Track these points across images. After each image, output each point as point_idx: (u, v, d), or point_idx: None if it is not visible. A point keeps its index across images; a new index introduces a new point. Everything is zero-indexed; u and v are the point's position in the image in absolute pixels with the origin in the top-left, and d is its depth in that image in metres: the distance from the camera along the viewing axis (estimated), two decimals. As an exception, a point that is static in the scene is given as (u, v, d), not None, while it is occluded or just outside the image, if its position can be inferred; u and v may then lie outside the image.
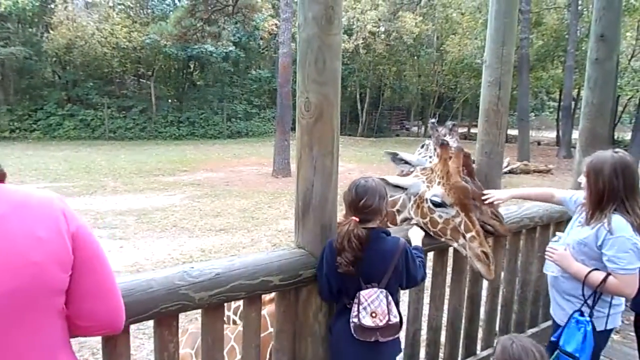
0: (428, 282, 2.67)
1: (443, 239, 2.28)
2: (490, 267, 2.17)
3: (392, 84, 30.20)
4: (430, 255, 2.61)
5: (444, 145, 2.23)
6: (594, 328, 2.12)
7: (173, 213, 9.14)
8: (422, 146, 2.64)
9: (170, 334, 1.65)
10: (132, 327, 1.58)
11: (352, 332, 1.84)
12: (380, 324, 1.83)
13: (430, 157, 2.49)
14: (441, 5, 26.22)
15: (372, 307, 1.82)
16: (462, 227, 2.20)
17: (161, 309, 1.54)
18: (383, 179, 2.19)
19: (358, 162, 16.50)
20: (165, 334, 1.64)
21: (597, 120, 3.44)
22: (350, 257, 1.80)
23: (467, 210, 2.20)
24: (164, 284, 1.56)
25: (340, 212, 2.01)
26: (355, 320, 1.83)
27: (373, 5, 23.04)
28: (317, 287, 1.95)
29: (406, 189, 2.28)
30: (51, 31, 21.67)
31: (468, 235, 2.18)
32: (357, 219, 1.86)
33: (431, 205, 2.23)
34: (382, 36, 26.35)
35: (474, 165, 2.57)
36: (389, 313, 1.84)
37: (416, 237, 2.22)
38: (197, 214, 9.18)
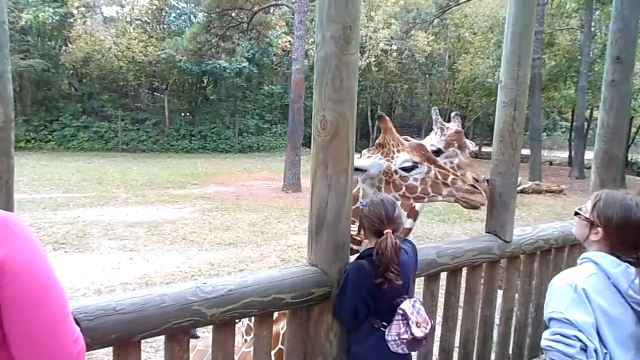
0: (440, 302, 2.64)
1: (426, 199, 2.32)
2: (482, 192, 2.29)
3: (403, 101, 30.32)
4: (443, 275, 2.58)
5: (382, 117, 2.42)
6: None
7: (183, 226, 9.17)
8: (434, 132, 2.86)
9: (182, 349, 1.64)
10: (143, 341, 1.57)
11: (398, 347, 1.84)
12: (427, 331, 1.85)
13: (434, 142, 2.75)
14: (453, 25, 26.40)
15: (416, 317, 1.84)
16: (440, 177, 2.26)
17: (173, 324, 1.53)
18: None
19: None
20: (176, 350, 1.63)
21: (612, 142, 3.40)
22: (398, 268, 1.80)
23: (434, 161, 2.30)
24: (177, 299, 1.55)
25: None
26: (406, 335, 1.82)
27: (386, 24, 23.26)
28: (336, 312, 1.92)
29: (365, 171, 2.28)
30: (69, 44, 22.19)
31: (449, 180, 2.25)
32: (391, 231, 1.86)
33: (403, 173, 2.26)
34: (394, 54, 26.56)
35: (486, 182, 2.66)
36: (429, 318, 1.89)
37: None
38: (207, 227, 9.20)
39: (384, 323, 1.87)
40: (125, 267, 6.75)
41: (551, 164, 26.19)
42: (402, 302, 1.85)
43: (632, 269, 1.57)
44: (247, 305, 1.68)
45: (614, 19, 3.29)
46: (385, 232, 1.84)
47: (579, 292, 1.50)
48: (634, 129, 25.31)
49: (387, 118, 2.39)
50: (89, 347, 1.38)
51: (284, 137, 23.67)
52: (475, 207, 2.33)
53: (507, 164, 2.63)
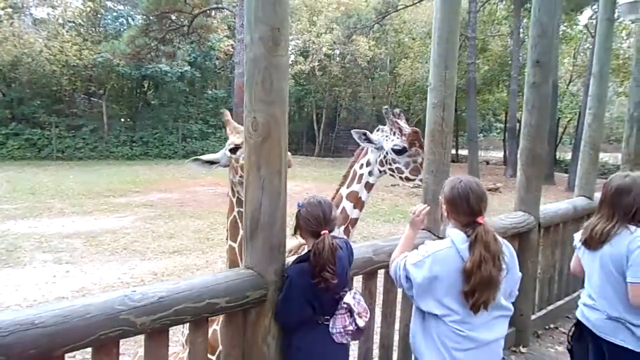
0: (379, 299, 2.70)
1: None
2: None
3: (347, 105, 30.72)
4: (381, 272, 2.64)
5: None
6: None
7: (124, 235, 8.81)
8: (378, 130, 2.96)
9: (110, 361, 1.58)
10: (67, 355, 1.50)
11: (342, 338, 1.90)
12: (366, 320, 1.94)
13: (387, 136, 2.87)
14: (393, 31, 27.12)
15: (357, 308, 1.91)
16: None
17: (100, 335, 1.47)
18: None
19: (315, 182, 16.56)
20: (105, 362, 1.57)
21: (535, 141, 3.63)
22: (334, 268, 1.83)
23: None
24: (103, 309, 1.50)
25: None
26: (351, 327, 1.89)
27: (328, 29, 23.54)
28: (281, 316, 1.92)
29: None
30: (-5, 47, 20.71)
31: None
32: (328, 232, 1.89)
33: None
34: (338, 59, 26.91)
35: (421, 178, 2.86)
36: (368, 307, 2.00)
37: None
38: (150, 236, 8.89)
39: (326, 317, 1.90)
40: (61, 280, 6.39)
41: (488, 163, 27.47)
42: (344, 295, 1.90)
43: None
44: (180, 311, 1.65)
45: (532, 25, 3.53)
46: (322, 233, 1.87)
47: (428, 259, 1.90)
48: (561, 129, 27.09)
49: (227, 112, 2.62)
50: (5, 365, 1.30)
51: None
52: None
53: (438, 162, 2.74)
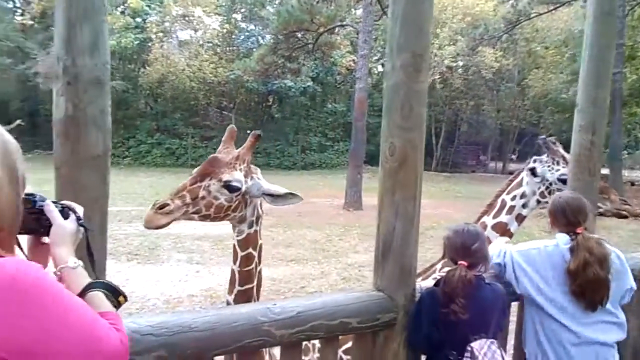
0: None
1: None
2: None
3: (468, 118, 29.52)
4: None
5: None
6: None
7: (247, 241, 9.39)
8: (535, 161, 2.92)
9: (251, 368, 1.70)
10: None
11: None
12: None
13: (550, 166, 2.82)
14: (524, 40, 25.47)
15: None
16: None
17: (245, 343, 1.59)
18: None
19: (431, 198, 16.11)
20: (246, 368, 1.69)
21: None
22: (465, 302, 1.77)
23: None
24: (248, 319, 1.61)
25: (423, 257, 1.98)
26: None
27: (451, 40, 22.89)
28: (411, 338, 1.91)
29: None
30: (147, 67, 23.79)
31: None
32: (467, 264, 1.84)
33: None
34: (460, 71, 26.00)
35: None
36: None
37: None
38: (269, 243, 9.38)
39: (459, 357, 1.83)
40: (192, 279, 7.02)
41: (633, 184, 24.25)
42: (475, 340, 1.80)
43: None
44: (315, 327, 1.72)
45: None
46: (459, 262, 1.82)
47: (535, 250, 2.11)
48: None
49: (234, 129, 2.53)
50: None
51: (346, 154, 23.80)
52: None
53: (583, 190, 2.49)
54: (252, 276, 2.22)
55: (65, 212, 1.09)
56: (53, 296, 0.86)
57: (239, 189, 2.13)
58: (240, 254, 2.21)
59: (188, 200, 2.04)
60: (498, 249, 2.19)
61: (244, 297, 2.17)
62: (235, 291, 2.18)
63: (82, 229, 1.12)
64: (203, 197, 2.04)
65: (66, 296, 0.89)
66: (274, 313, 1.66)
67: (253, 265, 2.23)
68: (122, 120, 24.51)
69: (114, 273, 6.75)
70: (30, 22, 25.27)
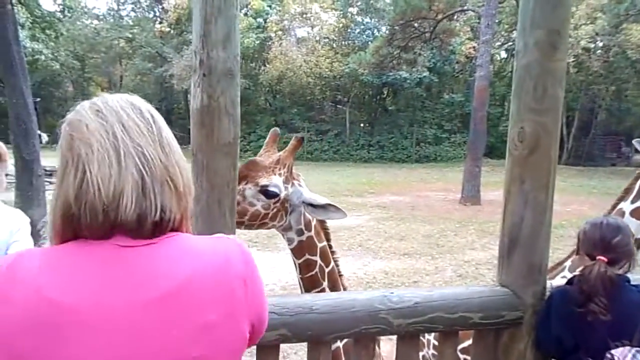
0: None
1: None
2: None
3: (608, 105, 26.31)
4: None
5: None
6: None
7: (359, 233, 9.50)
8: None
9: (367, 355, 1.70)
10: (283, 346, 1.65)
11: None
12: None
13: None
14: (680, 13, 21.88)
15: None
16: None
17: (362, 329, 1.60)
18: None
19: (560, 194, 14.70)
20: (362, 354, 1.69)
21: None
22: (606, 302, 1.59)
23: None
24: (366, 305, 1.61)
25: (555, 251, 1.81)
26: None
27: (590, 18, 20.45)
28: (540, 341, 1.77)
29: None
30: (267, 65, 25.14)
31: None
32: (606, 260, 1.66)
33: None
34: (599, 52, 23.21)
35: None
36: None
37: None
38: (382, 236, 9.37)
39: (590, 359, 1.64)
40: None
41: None
42: (617, 347, 1.60)
43: None
44: (433, 320, 1.66)
45: None
46: (597, 257, 1.63)
47: None
48: None
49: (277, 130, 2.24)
50: (289, 340, 1.54)
51: (463, 147, 22.77)
52: None
53: None
54: (317, 281, 2.08)
55: None
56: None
57: (277, 194, 1.91)
58: (297, 261, 2.08)
59: None
60: None
61: None
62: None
63: None
64: (238, 203, 1.76)
65: None
66: (391, 302, 1.64)
67: (316, 269, 2.07)
68: (243, 116, 25.72)
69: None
70: (167, 29, 28.22)
